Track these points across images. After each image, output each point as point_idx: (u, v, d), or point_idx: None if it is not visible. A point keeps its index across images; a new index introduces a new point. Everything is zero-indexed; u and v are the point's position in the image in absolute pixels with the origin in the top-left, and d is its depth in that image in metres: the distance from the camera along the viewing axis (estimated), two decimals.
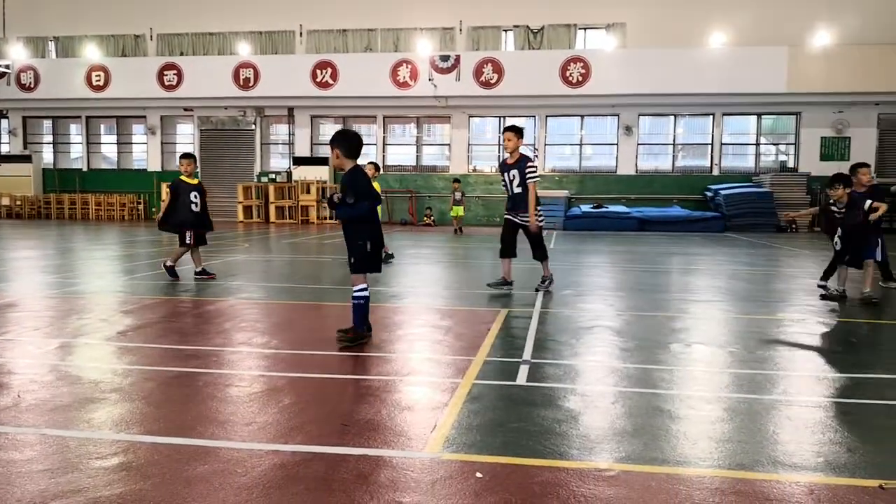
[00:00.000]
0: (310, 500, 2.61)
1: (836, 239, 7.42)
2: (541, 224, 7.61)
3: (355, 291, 5.15)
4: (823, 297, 7.27)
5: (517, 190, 7.57)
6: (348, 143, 5.15)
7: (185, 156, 8.93)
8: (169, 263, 8.62)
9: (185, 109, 24.66)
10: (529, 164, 7.55)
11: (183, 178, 8.73)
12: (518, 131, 7.57)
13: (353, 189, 5.07)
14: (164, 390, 4.03)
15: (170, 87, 23.67)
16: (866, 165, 8.19)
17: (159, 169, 25.40)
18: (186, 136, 25.75)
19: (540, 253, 7.73)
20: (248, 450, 3.09)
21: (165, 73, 23.65)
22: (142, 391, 3.96)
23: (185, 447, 3.11)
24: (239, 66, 23.32)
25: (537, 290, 7.76)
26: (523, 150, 7.76)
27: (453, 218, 19.38)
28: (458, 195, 19.19)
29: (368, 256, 5.13)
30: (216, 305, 6.89)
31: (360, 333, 5.19)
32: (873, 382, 4.33)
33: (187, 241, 8.65)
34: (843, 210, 7.43)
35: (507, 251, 7.72)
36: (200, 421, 3.46)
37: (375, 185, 11.51)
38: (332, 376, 4.44)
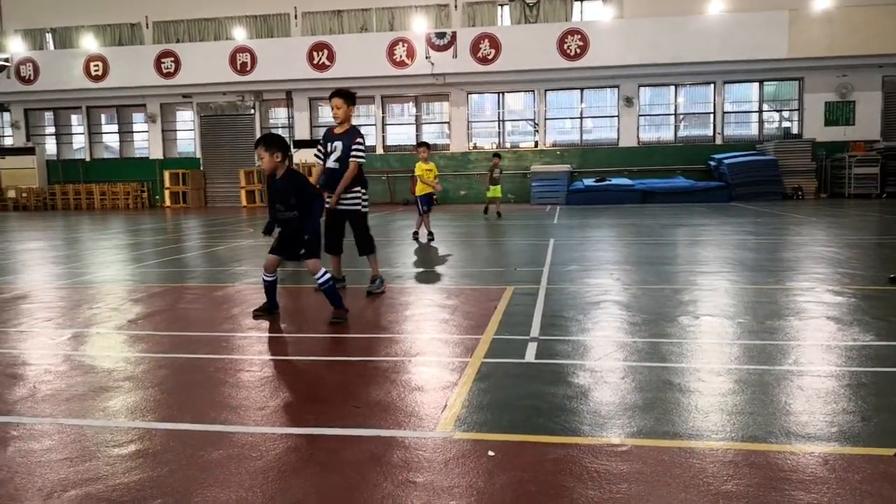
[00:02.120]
0: (324, 482, 2.62)
1: None
2: (362, 209, 6.48)
3: (320, 278, 5.27)
4: None
5: (332, 165, 6.35)
6: (285, 145, 5.28)
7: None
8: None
9: (184, 96, 24.55)
10: (358, 138, 6.37)
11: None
12: (349, 97, 6.37)
13: (306, 190, 5.26)
14: (177, 377, 4.05)
15: (168, 75, 23.55)
16: None
17: (161, 156, 25.37)
18: (187, 123, 25.68)
19: (366, 246, 6.57)
20: (262, 434, 3.11)
21: (163, 60, 23.52)
22: (155, 378, 3.98)
23: (199, 433, 3.13)
24: (235, 50, 23.17)
25: (369, 293, 6.46)
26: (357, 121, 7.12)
27: (490, 200, 16.43)
28: (496, 173, 16.09)
29: (316, 243, 5.34)
30: (223, 291, 6.90)
31: (344, 310, 5.38)
32: (886, 350, 4.32)
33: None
34: None
35: (335, 247, 6.55)
36: (214, 406, 3.48)
37: (431, 165, 11.50)
38: (342, 358, 4.46)
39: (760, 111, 22.93)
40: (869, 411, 3.24)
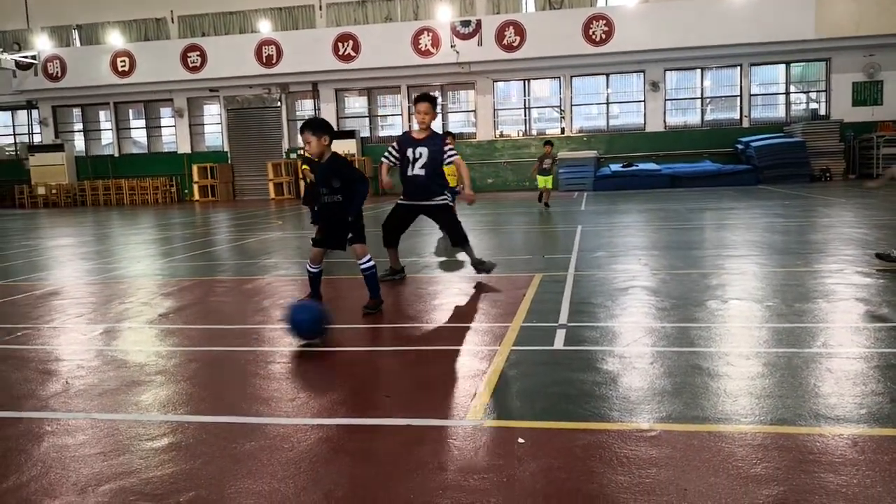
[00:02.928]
0: (356, 472, 2.68)
1: None
2: (449, 202, 6.71)
3: (365, 263, 5.31)
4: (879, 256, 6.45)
5: (418, 171, 6.33)
6: (331, 128, 5.29)
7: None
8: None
9: (211, 90, 24.81)
10: (447, 141, 6.55)
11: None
12: (435, 102, 6.43)
13: (350, 173, 5.27)
14: (208, 370, 4.14)
15: (194, 69, 23.79)
16: None
17: (189, 150, 25.69)
18: (214, 117, 25.96)
19: (459, 238, 6.70)
20: (294, 425, 3.17)
21: (189, 54, 23.77)
22: (186, 372, 4.07)
23: (231, 425, 3.20)
24: (261, 43, 23.32)
25: (480, 268, 6.61)
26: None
27: (542, 190, 14.75)
28: (547, 162, 14.60)
29: (361, 227, 5.36)
30: (254, 284, 7.02)
31: (379, 300, 5.38)
32: None
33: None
34: None
35: (393, 240, 6.70)
36: (245, 399, 3.56)
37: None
38: (373, 349, 4.52)
39: (787, 93, 22.50)
40: None
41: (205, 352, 4.53)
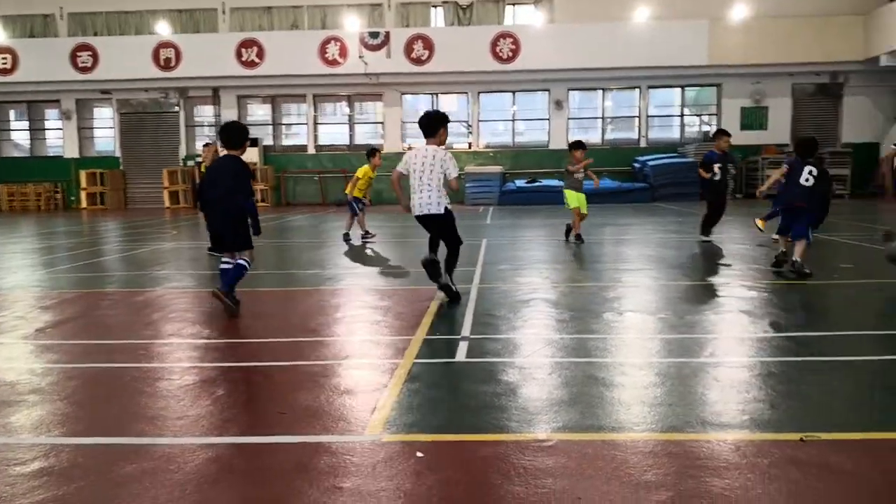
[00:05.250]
0: (246, 493, 2.55)
1: None
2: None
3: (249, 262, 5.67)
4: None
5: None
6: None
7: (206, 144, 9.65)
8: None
9: (103, 92, 23.50)
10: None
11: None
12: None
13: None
14: (88, 388, 3.86)
15: (84, 70, 22.45)
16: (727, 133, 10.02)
17: (77, 155, 24.17)
18: (105, 121, 24.57)
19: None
20: (181, 445, 3.00)
21: (79, 54, 22.41)
22: (63, 391, 3.78)
23: (112, 447, 2.99)
24: (159, 45, 22.32)
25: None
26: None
27: (574, 212, 10.40)
28: (580, 173, 10.39)
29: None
30: (143, 296, 6.63)
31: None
32: (795, 341, 4.54)
33: None
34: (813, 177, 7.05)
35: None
36: (128, 418, 3.33)
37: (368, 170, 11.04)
38: (268, 364, 4.35)
39: (682, 115, 23.81)
40: (777, 399, 3.40)
41: (85, 368, 4.22)
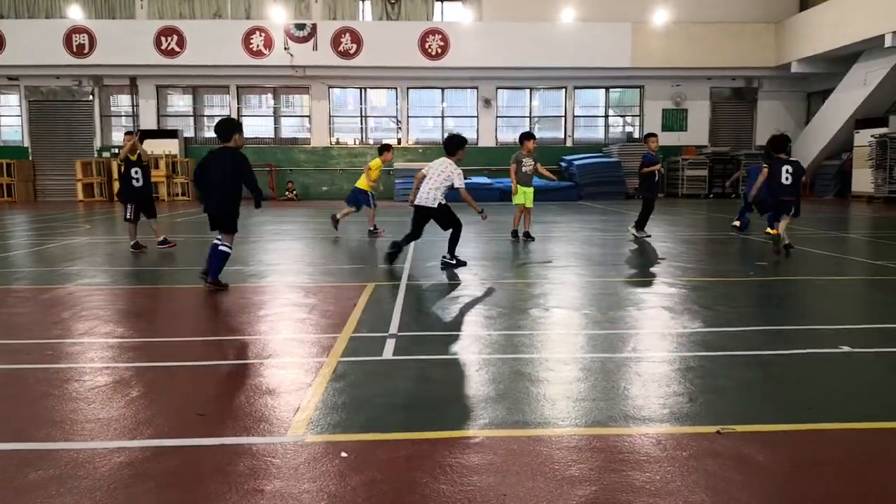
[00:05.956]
0: (161, 498, 2.43)
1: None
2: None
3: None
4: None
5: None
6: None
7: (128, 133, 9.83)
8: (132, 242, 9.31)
9: (9, 78, 22.13)
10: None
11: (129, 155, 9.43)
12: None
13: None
14: None
15: None
16: (654, 135, 10.83)
17: None
18: (12, 109, 23.15)
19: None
20: (91, 450, 2.83)
21: None
22: None
23: (14, 453, 2.80)
24: (71, 31, 21.18)
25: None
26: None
27: (518, 209, 10.66)
28: (528, 164, 10.45)
29: None
30: (52, 293, 6.27)
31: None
32: (711, 335, 4.71)
33: (128, 217, 9.40)
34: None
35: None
36: (33, 422, 3.13)
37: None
38: (186, 364, 4.18)
39: (606, 116, 24.44)
40: (696, 393, 3.52)
41: None
